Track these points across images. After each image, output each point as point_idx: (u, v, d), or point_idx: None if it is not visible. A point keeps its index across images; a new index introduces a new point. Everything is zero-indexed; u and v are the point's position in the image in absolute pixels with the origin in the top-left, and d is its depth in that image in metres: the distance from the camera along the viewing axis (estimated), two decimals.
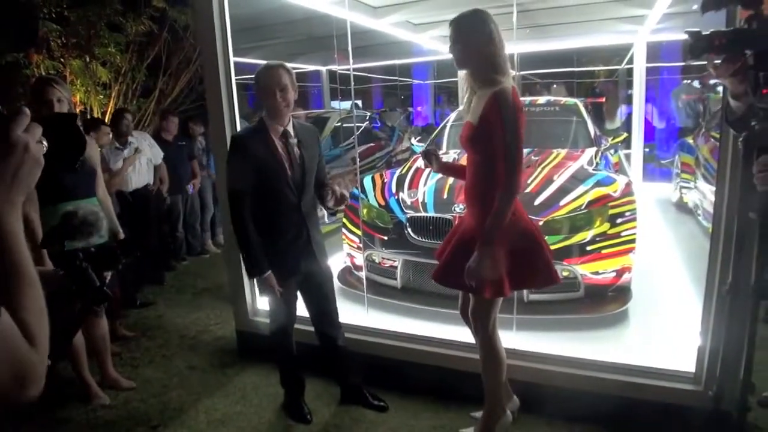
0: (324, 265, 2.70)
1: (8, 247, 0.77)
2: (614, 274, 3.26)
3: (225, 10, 3.19)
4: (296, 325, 2.81)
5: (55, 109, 2.78)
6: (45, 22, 6.56)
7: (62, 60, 6.81)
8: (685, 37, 1.64)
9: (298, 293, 2.73)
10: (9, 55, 6.59)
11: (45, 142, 0.86)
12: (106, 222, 2.02)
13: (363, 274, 3.69)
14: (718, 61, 1.65)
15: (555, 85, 8.22)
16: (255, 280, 2.59)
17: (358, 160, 5.64)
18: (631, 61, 7.69)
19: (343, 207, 2.76)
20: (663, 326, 3.20)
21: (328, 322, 2.81)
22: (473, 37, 2.11)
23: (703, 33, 1.64)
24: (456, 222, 3.08)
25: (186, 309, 4.51)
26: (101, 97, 7.12)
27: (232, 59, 3.27)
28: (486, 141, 2.10)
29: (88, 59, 6.87)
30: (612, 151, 4.91)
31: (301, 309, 2.79)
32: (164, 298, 4.80)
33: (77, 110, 6.56)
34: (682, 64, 8.46)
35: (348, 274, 3.94)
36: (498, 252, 2.10)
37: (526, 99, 5.36)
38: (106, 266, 1.62)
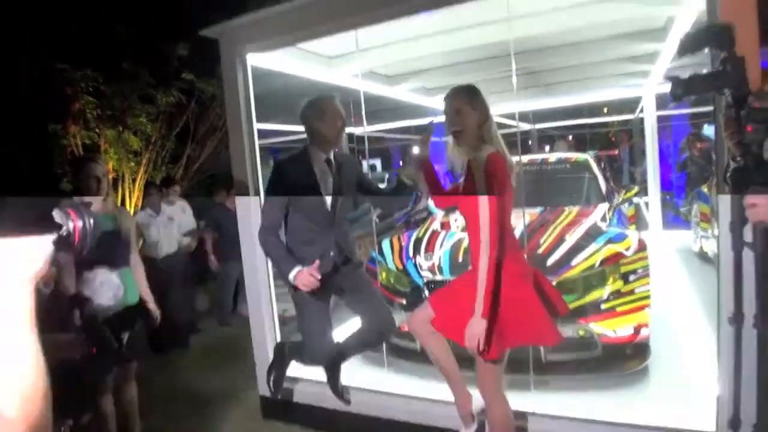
0: (360, 273, 2.80)
1: None
2: (631, 331, 3.27)
3: (249, 82, 3.57)
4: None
5: (102, 185, 2.99)
6: (82, 96, 7.04)
7: (97, 130, 7.23)
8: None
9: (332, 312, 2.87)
10: (49, 126, 7.05)
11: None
12: (124, 288, 2.18)
13: None
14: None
15: (556, 141, 8.32)
16: (292, 287, 2.65)
17: (376, 220, 5.78)
18: (642, 111, 7.81)
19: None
20: (684, 383, 3.18)
21: (374, 314, 2.82)
22: (463, 109, 2.33)
23: (683, 77, 1.77)
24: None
25: (211, 373, 4.61)
26: (132, 164, 7.48)
27: (256, 125, 3.57)
28: (474, 205, 2.24)
29: (121, 129, 7.28)
30: (626, 204, 4.98)
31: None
32: (190, 361, 4.90)
33: (110, 177, 6.91)
34: (692, 111, 8.56)
35: None
36: (493, 313, 2.17)
37: (538, 157, 5.51)
38: (123, 328, 1.74)
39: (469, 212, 2.33)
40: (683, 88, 1.78)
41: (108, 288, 2.43)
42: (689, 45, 1.82)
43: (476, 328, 2.14)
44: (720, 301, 2.43)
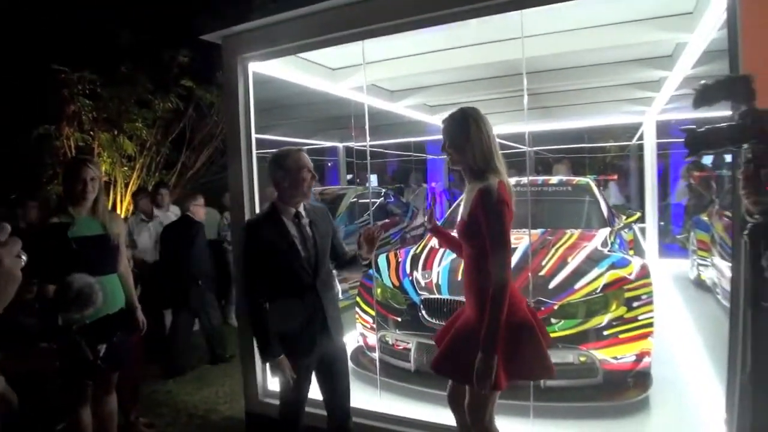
0: (339, 342, 2.61)
1: None
2: (633, 358, 3.20)
3: (250, 90, 3.46)
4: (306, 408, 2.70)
5: (88, 188, 2.88)
6: (79, 98, 6.94)
7: (92, 133, 7.11)
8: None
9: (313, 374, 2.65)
10: (41, 127, 6.93)
11: (24, 257, 0.83)
12: (102, 294, 2.04)
13: (376, 355, 3.64)
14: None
15: (554, 165, 8.25)
16: (267, 363, 2.54)
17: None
18: (641, 138, 7.82)
19: (374, 251, 2.67)
20: (686, 414, 3.10)
21: (337, 400, 2.67)
22: (460, 138, 2.16)
23: (699, 130, 1.68)
24: None
25: (195, 385, 4.46)
26: (125, 168, 7.36)
27: (254, 135, 3.49)
28: (475, 236, 2.13)
29: (116, 133, 7.16)
30: (626, 229, 4.93)
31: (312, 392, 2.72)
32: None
33: (102, 181, 6.80)
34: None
35: (360, 355, 3.89)
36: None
37: (539, 179, 5.46)
38: (100, 339, 1.62)
39: (474, 243, 2.17)
40: (700, 143, 1.70)
41: (86, 295, 2.27)
42: (706, 97, 1.73)
43: (488, 364, 2.02)
44: (730, 349, 2.35)
